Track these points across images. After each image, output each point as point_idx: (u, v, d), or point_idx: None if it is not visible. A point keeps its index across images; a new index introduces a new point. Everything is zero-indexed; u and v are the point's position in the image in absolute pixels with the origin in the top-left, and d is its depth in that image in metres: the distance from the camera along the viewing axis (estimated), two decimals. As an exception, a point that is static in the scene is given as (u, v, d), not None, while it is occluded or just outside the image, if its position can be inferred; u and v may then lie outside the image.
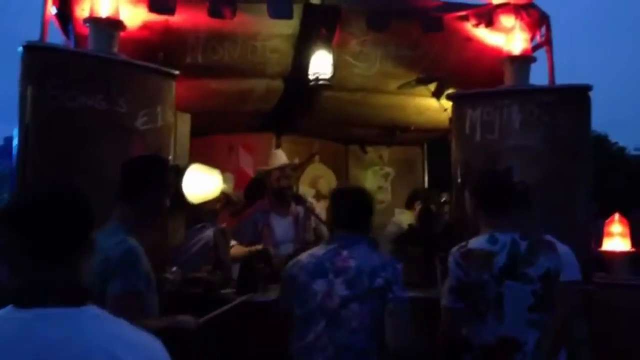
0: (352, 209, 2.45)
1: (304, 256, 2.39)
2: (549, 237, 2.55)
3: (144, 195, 2.32)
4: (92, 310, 1.21)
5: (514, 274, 2.23)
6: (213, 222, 3.59)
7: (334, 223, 2.47)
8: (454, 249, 2.34)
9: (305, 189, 5.17)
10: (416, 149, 5.76)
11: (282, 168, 3.84)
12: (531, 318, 2.23)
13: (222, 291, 3.00)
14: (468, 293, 2.25)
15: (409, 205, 4.63)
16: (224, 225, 3.44)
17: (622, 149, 16.96)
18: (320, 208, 5.04)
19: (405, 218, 4.58)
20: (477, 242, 2.31)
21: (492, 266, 2.23)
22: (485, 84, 3.85)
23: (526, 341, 2.23)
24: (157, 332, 2.13)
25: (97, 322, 1.19)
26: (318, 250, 2.40)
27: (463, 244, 2.34)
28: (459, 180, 3.64)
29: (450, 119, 3.78)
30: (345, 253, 2.34)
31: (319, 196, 5.23)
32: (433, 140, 5.61)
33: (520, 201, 2.52)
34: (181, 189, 3.35)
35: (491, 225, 2.33)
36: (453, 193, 3.74)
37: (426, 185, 5.69)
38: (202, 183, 3.47)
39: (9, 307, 1.17)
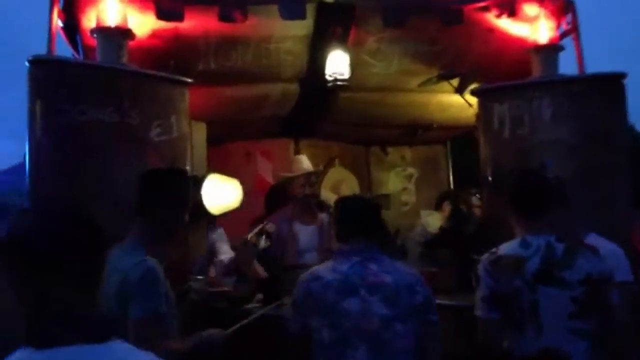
0: (364, 216, 2.31)
1: (321, 271, 2.17)
2: (592, 238, 2.37)
3: (162, 210, 2.21)
4: (119, 345, 1.10)
5: (549, 279, 2.06)
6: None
7: (344, 233, 2.28)
8: (484, 256, 2.19)
9: (327, 194, 5.01)
10: (439, 148, 5.59)
11: (306, 175, 3.69)
12: (574, 326, 2.05)
13: (247, 306, 2.86)
14: (502, 302, 2.10)
15: (437, 207, 4.46)
16: (247, 236, 3.30)
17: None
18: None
19: (433, 220, 4.41)
20: (508, 248, 2.16)
21: (523, 272, 2.07)
22: (511, 77, 3.67)
23: (571, 352, 2.05)
24: (186, 353, 2.06)
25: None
26: (338, 264, 2.19)
27: (493, 250, 2.19)
28: (489, 178, 3.46)
29: (477, 115, 3.61)
30: (374, 267, 2.18)
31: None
32: (456, 137, 5.45)
33: (556, 200, 2.33)
34: (200, 200, 3.23)
35: (525, 227, 2.18)
36: (484, 192, 3.56)
37: (451, 184, 5.51)
38: (221, 193, 3.35)
39: (26, 350, 1.06)
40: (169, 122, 3.13)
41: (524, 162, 3.34)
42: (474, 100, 3.67)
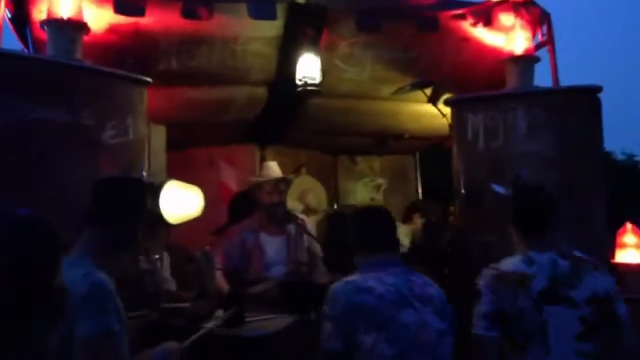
0: (391, 228, 2.22)
1: (365, 282, 1.99)
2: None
3: (114, 221, 2.02)
4: None
5: (556, 299, 1.98)
6: None
7: (370, 245, 2.14)
8: (485, 272, 2.10)
9: (293, 204, 4.82)
10: (408, 158, 5.48)
11: (275, 182, 3.50)
12: (582, 349, 1.96)
13: (207, 324, 2.64)
14: (505, 320, 2.00)
15: (405, 219, 4.31)
16: (207, 248, 3.09)
17: (609, 154, 16.84)
18: (310, 224, 4.77)
19: (401, 233, 4.25)
20: (510, 264, 2.07)
21: (529, 290, 1.98)
22: (485, 87, 3.60)
23: None
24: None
25: None
26: (380, 275, 2.02)
27: (494, 265, 2.10)
28: (462, 191, 3.35)
29: (450, 126, 3.49)
30: (416, 279, 2.07)
31: (308, 210, 4.91)
32: (425, 148, 5.35)
33: (556, 216, 2.25)
34: (158, 208, 2.99)
35: (528, 244, 2.11)
36: (456, 205, 3.44)
37: (420, 196, 5.40)
38: (181, 201, 3.11)
39: None
40: (125, 123, 2.91)
41: (498, 174, 3.24)
42: (447, 110, 3.56)
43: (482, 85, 3.60)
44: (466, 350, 2.18)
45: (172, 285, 3.62)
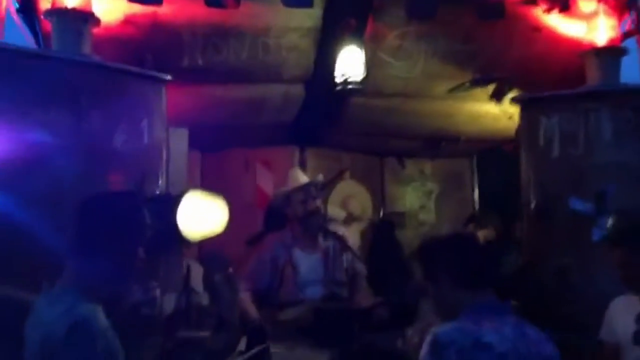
0: (492, 262, 1.92)
1: (482, 334, 1.60)
2: None
3: (103, 251, 1.67)
4: None
5: None
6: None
7: (471, 280, 1.73)
8: None
9: (335, 211, 4.41)
10: (463, 162, 4.96)
11: (305, 188, 3.07)
12: None
13: (226, 362, 2.28)
14: None
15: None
16: (229, 270, 2.70)
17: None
18: (353, 234, 4.34)
19: None
20: None
21: None
22: (559, 86, 3.09)
23: None
24: None
25: None
26: (496, 326, 1.63)
27: None
28: (532, 206, 2.85)
29: (518, 129, 3.00)
30: (530, 332, 1.68)
31: (351, 219, 4.50)
32: (484, 150, 4.81)
33: None
34: (176, 223, 2.63)
35: None
36: (524, 221, 2.94)
37: (477, 204, 4.87)
38: (202, 215, 2.74)
39: None
40: (139, 127, 2.59)
41: (576, 187, 2.75)
42: (513, 110, 3.07)
43: (555, 82, 3.13)
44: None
45: (204, 300, 3.28)
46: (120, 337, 1.70)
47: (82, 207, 1.74)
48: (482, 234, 3.61)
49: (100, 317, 1.61)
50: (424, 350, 1.59)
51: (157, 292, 2.04)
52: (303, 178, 3.19)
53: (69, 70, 2.41)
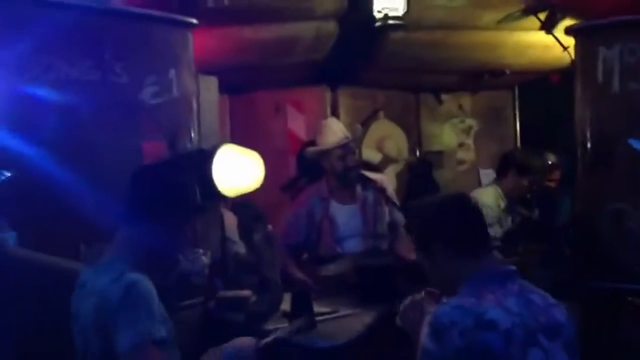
0: (484, 223, 1.67)
1: (486, 310, 1.46)
2: None
3: (160, 218, 1.69)
4: None
5: None
6: None
7: (470, 244, 1.60)
8: None
9: (370, 153, 4.27)
10: (505, 95, 4.69)
11: (344, 145, 2.89)
12: None
13: (268, 326, 2.20)
14: None
15: (500, 175, 3.44)
16: (269, 227, 2.60)
17: None
18: (389, 178, 4.19)
19: (485, 196, 3.33)
20: None
21: None
22: (618, 12, 2.77)
23: None
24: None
25: None
26: (500, 298, 1.49)
27: None
28: (588, 147, 2.64)
29: (573, 62, 2.74)
30: (537, 299, 1.52)
31: (387, 160, 4.36)
32: (526, 82, 4.53)
33: None
34: (211, 178, 2.51)
35: None
36: (579, 164, 2.74)
37: (519, 141, 4.64)
38: (238, 170, 2.61)
39: None
40: (167, 78, 2.43)
41: (638, 125, 2.52)
42: (569, 40, 2.80)
43: (614, 9, 2.79)
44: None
45: (240, 248, 3.22)
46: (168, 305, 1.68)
47: (134, 177, 1.73)
48: (525, 180, 3.35)
49: (150, 284, 1.61)
50: (425, 331, 1.46)
51: (205, 259, 1.96)
52: (341, 132, 2.98)
53: (88, 19, 2.24)
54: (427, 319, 1.47)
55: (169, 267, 2.12)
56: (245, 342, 1.84)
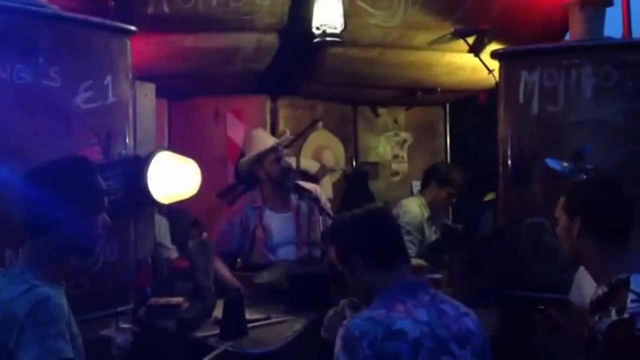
0: (400, 237, 1.75)
1: (396, 321, 1.51)
2: None
3: (63, 220, 1.56)
4: None
5: None
6: None
7: (385, 257, 1.65)
8: None
9: (308, 163, 4.31)
10: (437, 111, 4.85)
11: (275, 148, 2.96)
12: None
13: (199, 334, 2.21)
14: None
15: (423, 186, 3.68)
16: (204, 235, 2.62)
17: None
18: (326, 187, 4.27)
19: (411, 205, 3.58)
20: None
21: None
22: (540, 39, 2.97)
23: None
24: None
25: None
26: (409, 308, 1.55)
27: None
28: (509, 165, 2.81)
29: (497, 84, 2.91)
30: (448, 308, 1.60)
31: (324, 170, 4.41)
32: (457, 100, 4.73)
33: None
34: (146, 185, 2.51)
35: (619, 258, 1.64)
36: (500, 181, 2.91)
37: (448, 154, 4.82)
38: (173, 177, 2.62)
39: None
40: (102, 83, 2.40)
41: (554, 146, 2.71)
42: (494, 64, 2.97)
43: (536, 35, 3.00)
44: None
45: (172, 253, 3.21)
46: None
47: (29, 179, 1.59)
48: (445, 192, 3.56)
49: (62, 299, 1.54)
50: (338, 343, 1.52)
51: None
52: (270, 139, 3.07)
53: (22, 22, 2.20)
54: (340, 332, 1.53)
55: (82, 272, 2.08)
56: None
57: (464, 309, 1.64)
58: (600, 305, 1.62)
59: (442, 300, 1.63)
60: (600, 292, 1.65)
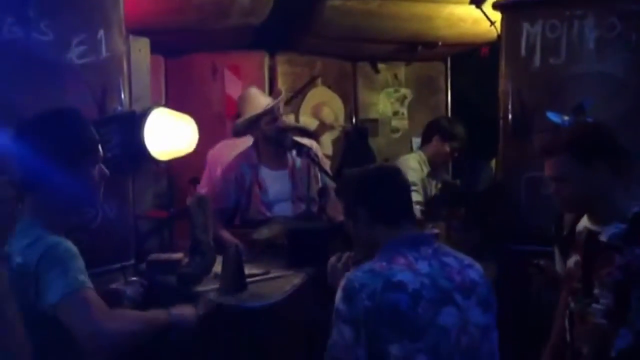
0: (407, 193, 1.75)
1: (396, 273, 1.53)
2: None
3: (58, 173, 1.55)
4: None
5: None
6: None
7: (388, 215, 1.67)
8: None
9: (306, 120, 4.28)
10: (438, 65, 4.79)
11: (270, 110, 2.91)
12: None
13: (199, 288, 2.23)
14: None
15: (424, 141, 3.54)
16: (202, 191, 2.61)
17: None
18: (325, 144, 4.24)
19: (410, 161, 3.42)
20: None
21: None
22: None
23: None
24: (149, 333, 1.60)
25: None
26: (411, 261, 1.57)
27: None
28: (509, 120, 2.79)
29: (499, 36, 2.85)
30: (451, 261, 1.62)
31: (323, 127, 4.38)
32: (458, 53, 4.65)
33: None
34: (143, 141, 2.50)
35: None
36: (500, 135, 2.88)
37: (449, 109, 4.78)
38: (170, 133, 2.61)
39: None
40: (95, 38, 2.35)
41: (556, 99, 2.68)
42: (496, 16, 2.90)
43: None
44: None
45: None
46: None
47: (19, 133, 1.58)
48: (448, 146, 3.44)
49: (71, 245, 1.55)
50: (338, 295, 1.54)
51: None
52: (264, 99, 3.02)
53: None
54: (341, 283, 1.55)
55: (85, 223, 2.09)
56: (186, 310, 1.80)
57: (468, 261, 1.66)
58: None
59: (445, 253, 1.65)
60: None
